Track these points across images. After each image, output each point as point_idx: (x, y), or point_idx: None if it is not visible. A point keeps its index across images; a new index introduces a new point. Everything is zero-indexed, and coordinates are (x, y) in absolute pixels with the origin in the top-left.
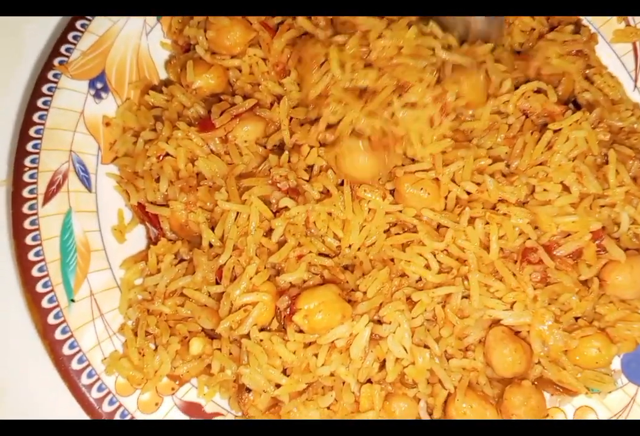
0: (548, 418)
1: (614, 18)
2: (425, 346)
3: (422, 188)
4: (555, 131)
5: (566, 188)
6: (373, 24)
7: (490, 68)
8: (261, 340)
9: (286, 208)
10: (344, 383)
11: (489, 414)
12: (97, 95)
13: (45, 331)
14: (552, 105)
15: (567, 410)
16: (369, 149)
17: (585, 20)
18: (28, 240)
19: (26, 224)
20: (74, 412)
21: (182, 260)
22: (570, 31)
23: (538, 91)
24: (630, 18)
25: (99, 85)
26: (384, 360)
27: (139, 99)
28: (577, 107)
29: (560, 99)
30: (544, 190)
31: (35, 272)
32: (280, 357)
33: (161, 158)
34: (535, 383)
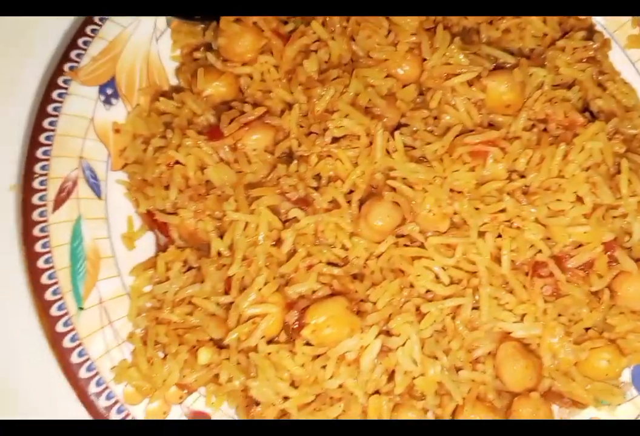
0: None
1: (628, 23)
2: (435, 358)
3: (429, 210)
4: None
5: (579, 199)
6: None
7: (525, 70)
8: (269, 354)
9: (295, 218)
10: (351, 393)
11: None
12: (107, 102)
13: (54, 339)
14: (576, 114)
15: None
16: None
17: (598, 25)
18: (38, 247)
19: (36, 231)
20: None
21: (190, 268)
22: (581, 37)
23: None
24: None
25: (109, 91)
26: (392, 371)
27: (149, 105)
28: (591, 114)
29: (575, 107)
30: (558, 200)
31: (44, 279)
32: (289, 370)
33: (171, 165)
34: (544, 395)
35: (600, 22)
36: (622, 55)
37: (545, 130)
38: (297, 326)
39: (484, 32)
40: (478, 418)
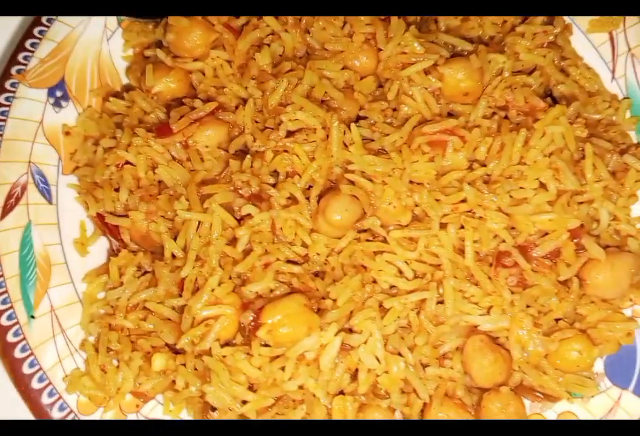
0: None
1: None
2: (399, 355)
3: (389, 203)
4: (530, 129)
5: (542, 186)
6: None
7: (483, 57)
8: (224, 357)
9: (249, 215)
10: (314, 395)
11: None
12: (57, 104)
13: (5, 350)
14: (536, 99)
15: (549, 416)
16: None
17: None
18: None
19: None
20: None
21: (146, 272)
22: (541, 22)
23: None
24: None
25: (58, 93)
26: (356, 370)
27: (101, 106)
28: (553, 100)
29: (536, 93)
30: (520, 188)
31: None
32: (246, 374)
33: (121, 166)
34: (515, 389)
35: None
36: (585, 40)
37: (506, 117)
38: (252, 327)
39: (442, 21)
40: (447, 416)
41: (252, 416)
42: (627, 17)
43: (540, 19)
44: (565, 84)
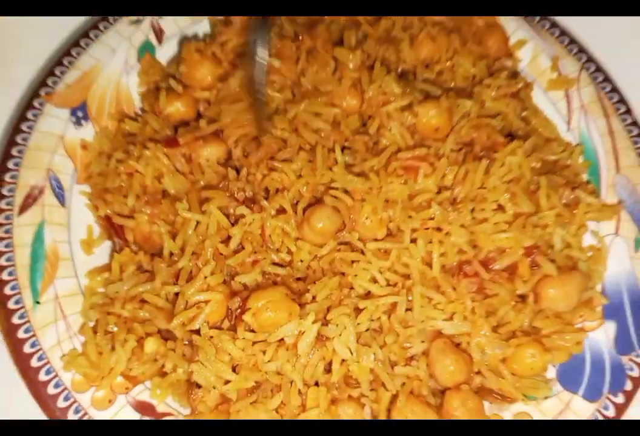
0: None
1: (548, 69)
2: (369, 347)
3: (366, 217)
4: (491, 160)
5: (501, 208)
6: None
7: (453, 99)
8: (211, 337)
9: (243, 216)
10: (291, 384)
11: (430, 417)
12: (78, 123)
13: (9, 331)
14: (498, 135)
15: (506, 416)
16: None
17: (522, 71)
18: (1, 247)
19: (0, 232)
20: (31, 409)
21: (145, 272)
22: (505, 76)
23: None
24: (561, 68)
25: (80, 113)
26: (330, 363)
27: (115, 128)
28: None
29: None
30: (482, 209)
31: (4, 276)
32: (230, 354)
33: (131, 175)
34: (476, 392)
35: (523, 69)
36: (544, 98)
37: (471, 152)
38: (239, 312)
39: (420, 74)
40: (412, 411)
41: (233, 396)
42: (580, 78)
43: (504, 73)
44: (525, 130)
